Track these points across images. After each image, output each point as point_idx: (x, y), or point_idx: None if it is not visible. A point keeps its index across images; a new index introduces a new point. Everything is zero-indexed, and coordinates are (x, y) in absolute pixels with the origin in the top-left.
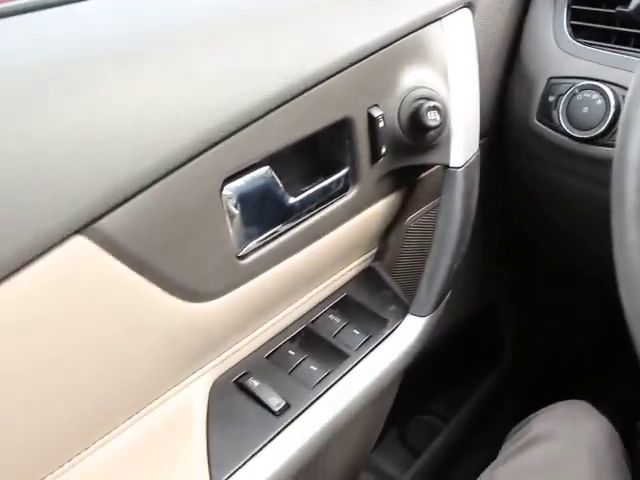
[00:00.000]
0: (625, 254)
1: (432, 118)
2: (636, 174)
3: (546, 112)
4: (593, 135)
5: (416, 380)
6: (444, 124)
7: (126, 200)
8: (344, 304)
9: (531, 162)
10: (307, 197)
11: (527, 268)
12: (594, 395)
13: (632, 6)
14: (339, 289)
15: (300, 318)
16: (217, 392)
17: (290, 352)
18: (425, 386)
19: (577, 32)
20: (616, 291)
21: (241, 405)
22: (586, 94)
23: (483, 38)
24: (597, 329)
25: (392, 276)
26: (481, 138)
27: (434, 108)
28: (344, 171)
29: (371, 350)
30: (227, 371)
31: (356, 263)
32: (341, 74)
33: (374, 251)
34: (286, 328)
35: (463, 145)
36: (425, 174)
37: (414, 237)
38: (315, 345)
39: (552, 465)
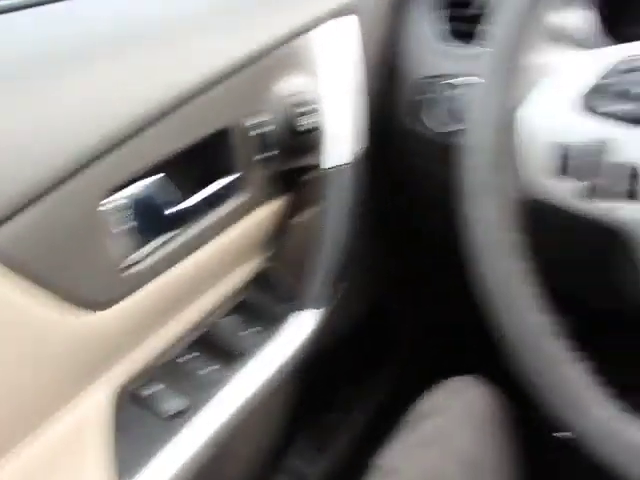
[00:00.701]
0: (471, 229)
1: (309, 122)
2: (475, 155)
3: (420, 110)
4: (461, 128)
5: (319, 378)
6: (322, 128)
7: (13, 214)
8: (241, 305)
9: (411, 158)
10: (196, 203)
11: (418, 260)
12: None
13: None
14: (235, 290)
15: (197, 321)
16: (116, 402)
17: (188, 356)
18: (329, 383)
19: (453, 34)
20: None
21: (140, 413)
22: (454, 91)
23: (364, 43)
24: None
25: (287, 274)
26: (368, 136)
27: (310, 113)
28: (230, 176)
29: (268, 346)
30: (126, 380)
31: (251, 264)
32: (221, 84)
33: (268, 251)
34: (184, 332)
35: (341, 147)
36: (313, 174)
37: (306, 235)
38: (213, 347)
39: (437, 438)
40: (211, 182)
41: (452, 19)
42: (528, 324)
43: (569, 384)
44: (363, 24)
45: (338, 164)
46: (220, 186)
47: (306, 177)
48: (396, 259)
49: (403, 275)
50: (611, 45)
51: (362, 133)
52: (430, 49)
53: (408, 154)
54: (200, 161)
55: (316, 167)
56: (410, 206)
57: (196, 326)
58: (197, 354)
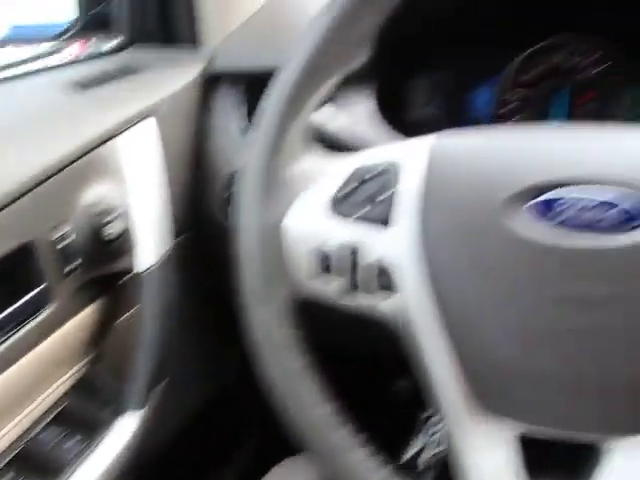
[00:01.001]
0: (251, 332)
1: (113, 230)
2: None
3: (227, 204)
4: None
5: (161, 475)
6: (128, 233)
7: None
8: (63, 414)
9: (226, 250)
10: (4, 318)
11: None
12: None
13: None
14: (57, 400)
15: (17, 439)
16: None
17: (6, 476)
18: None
19: None
20: None
21: None
22: None
23: (170, 144)
24: None
25: (109, 378)
26: (180, 235)
27: (115, 220)
28: (41, 287)
29: (91, 454)
30: None
31: (73, 370)
32: (22, 199)
33: (89, 357)
34: (1, 453)
35: (149, 250)
36: (128, 277)
37: (127, 336)
38: (33, 463)
39: None
40: (19, 297)
41: (253, 114)
42: (313, 417)
43: (356, 469)
44: (164, 126)
45: (150, 265)
46: (32, 297)
47: (121, 281)
48: (227, 347)
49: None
50: (393, 134)
51: (171, 233)
52: (236, 145)
53: (223, 247)
54: (5, 276)
55: (129, 270)
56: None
57: (14, 444)
58: (14, 474)
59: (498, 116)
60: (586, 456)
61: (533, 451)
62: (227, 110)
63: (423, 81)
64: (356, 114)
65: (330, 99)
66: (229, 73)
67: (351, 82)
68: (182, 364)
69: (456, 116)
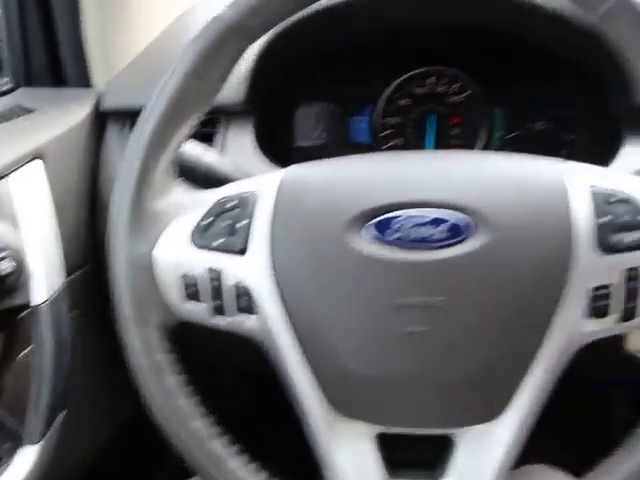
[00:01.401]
0: (129, 355)
1: (4, 267)
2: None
3: None
4: None
5: None
6: (20, 269)
7: None
8: None
9: None
10: None
11: None
12: None
13: None
14: None
15: None
16: None
17: None
18: None
19: None
20: None
21: None
22: None
23: (62, 182)
24: None
25: (11, 413)
26: (78, 270)
27: (7, 258)
28: None
29: None
30: None
31: None
32: None
33: None
34: None
35: (44, 284)
36: (24, 312)
37: (27, 371)
38: None
39: None
40: None
41: None
42: (189, 431)
43: (234, 477)
44: (55, 165)
45: (45, 300)
46: None
47: (17, 317)
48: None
49: None
50: (268, 166)
51: (67, 268)
52: None
53: None
54: None
55: (25, 307)
56: None
57: None
58: None
59: (376, 142)
60: (440, 448)
61: (392, 447)
62: (116, 146)
63: (307, 111)
64: (232, 148)
65: (208, 134)
66: (117, 111)
67: (229, 117)
68: (83, 396)
69: (339, 143)
